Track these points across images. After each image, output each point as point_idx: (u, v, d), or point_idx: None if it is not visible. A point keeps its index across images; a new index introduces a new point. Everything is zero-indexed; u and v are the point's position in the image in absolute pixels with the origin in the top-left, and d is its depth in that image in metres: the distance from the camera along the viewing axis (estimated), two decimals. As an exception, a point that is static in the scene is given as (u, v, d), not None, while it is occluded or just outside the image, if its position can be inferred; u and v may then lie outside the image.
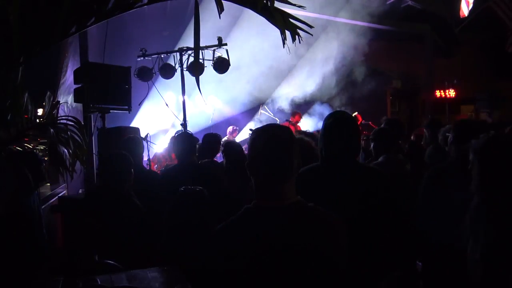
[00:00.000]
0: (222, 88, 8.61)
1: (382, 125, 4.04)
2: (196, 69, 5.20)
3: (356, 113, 8.17)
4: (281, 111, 9.95)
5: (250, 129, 8.87)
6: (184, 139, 3.56)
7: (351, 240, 1.49)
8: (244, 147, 3.64)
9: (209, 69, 6.56)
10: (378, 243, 2.00)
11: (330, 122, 2.16)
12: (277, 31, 2.24)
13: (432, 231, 2.44)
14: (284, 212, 1.39)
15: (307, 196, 2.04)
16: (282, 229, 1.37)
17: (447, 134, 2.96)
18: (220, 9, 2.06)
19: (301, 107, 10.01)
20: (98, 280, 1.75)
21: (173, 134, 7.40)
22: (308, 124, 9.78)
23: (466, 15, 10.57)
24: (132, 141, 3.71)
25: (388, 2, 9.93)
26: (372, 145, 3.58)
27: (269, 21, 2.22)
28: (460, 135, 2.68)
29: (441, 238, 2.38)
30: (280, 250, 1.35)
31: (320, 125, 9.62)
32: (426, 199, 2.57)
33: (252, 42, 7.96)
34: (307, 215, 1.41)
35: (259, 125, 1.63)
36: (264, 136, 1.45)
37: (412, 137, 5.87)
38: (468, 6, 10.62)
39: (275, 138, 1.42)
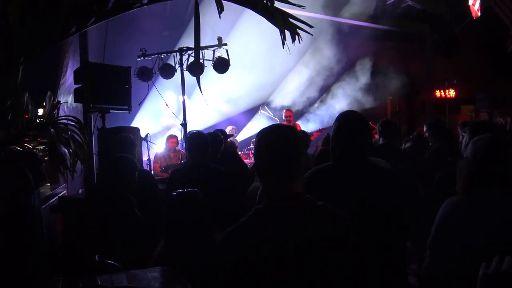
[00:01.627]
0: (222, 88, 8.61)
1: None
2: (196, 69, 5.19)
3: None
4: (281, 111, 9.95)
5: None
6: (198, 139, 3.43)
7: (363, 237, 1.47)
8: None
9: (209, 69, 6.56)
10: (388, 240, 2.01)
11: (341, 121, 2.17)
12: (276, 30, 2.24)
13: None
14: (294, 212, 1.39)
15: (320, 195, 2.05)
16: (292, 228, 1.37)
17: (463, 134, 2.98)
18: (220, 9, 2.06)
19: (300, 108, 10.01)
20: (98, 280, 1.75)
21: (168, 134, 7.45)
22: (308, 125, 9.78)
23: (479, 14, 10.46)
24: (125, 140, 3.67)
25: (388, 2, 9.93)
26: None
27: (269, 21, 2.21)
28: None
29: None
30: (290, 249, 1.34)
31: (310, 126, 9.52)
32: (436, 199, 2.57)
33: (252, 41, 7.96)
34: (317, 214, 1.41)
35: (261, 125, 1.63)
36: (270, 136, 1.45)
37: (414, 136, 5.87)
38: (474, 5, 10.54)
39: (281, 137, 1.42)
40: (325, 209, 1.43)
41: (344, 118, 2.18)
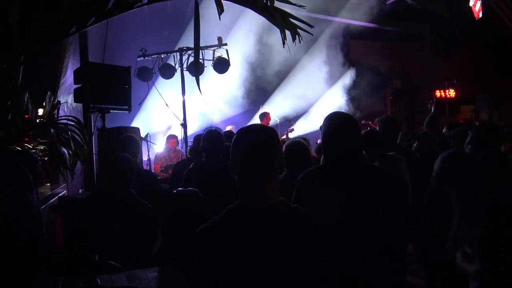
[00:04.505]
0: (222, 88, 8.61)
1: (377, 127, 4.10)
2: (197, 69, 5.20)
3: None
4: (280, 111, 9.94)
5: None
6: (213, 136, 3.30)
7: (357, 238, 1.46)
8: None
9: (209, 69, 6.56)
10: (383, 240, 2.01)
11: (331, 122, 2.16)
12: (277, 31, 2.24)
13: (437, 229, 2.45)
14: (266, 213, 1.39)
15: (313, 196, 2.03)
16: (264, 229, 1.37)
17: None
18: (220, 10, 2.05)
19: (300, 107, 10.02)
20: (98, 280, 1.75)
21: (167, 134, 7.45)
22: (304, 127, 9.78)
23: (481, 15, 10.42)
24: (129, 140, 3.69)
25: (388, 2, 9.94)
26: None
27: (269, 20, 2.21)
28: (478, 137, 2.77)
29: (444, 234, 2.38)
30: (262, 250, 1.34)
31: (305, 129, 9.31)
32: (434, 197, 2.58)
33: (252, 41, 7.96)
34: (290, 216, 1.41)
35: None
36: (246, 137, 1.45)
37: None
38: (475, 6, 10.53)
39: (257, 138, 1.42)
40: (298, 212, 1.43)
41: (334, 119, 2.17)
